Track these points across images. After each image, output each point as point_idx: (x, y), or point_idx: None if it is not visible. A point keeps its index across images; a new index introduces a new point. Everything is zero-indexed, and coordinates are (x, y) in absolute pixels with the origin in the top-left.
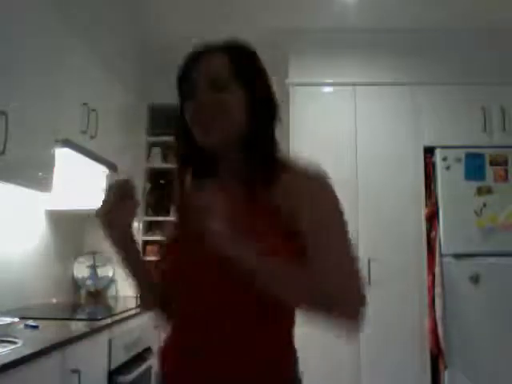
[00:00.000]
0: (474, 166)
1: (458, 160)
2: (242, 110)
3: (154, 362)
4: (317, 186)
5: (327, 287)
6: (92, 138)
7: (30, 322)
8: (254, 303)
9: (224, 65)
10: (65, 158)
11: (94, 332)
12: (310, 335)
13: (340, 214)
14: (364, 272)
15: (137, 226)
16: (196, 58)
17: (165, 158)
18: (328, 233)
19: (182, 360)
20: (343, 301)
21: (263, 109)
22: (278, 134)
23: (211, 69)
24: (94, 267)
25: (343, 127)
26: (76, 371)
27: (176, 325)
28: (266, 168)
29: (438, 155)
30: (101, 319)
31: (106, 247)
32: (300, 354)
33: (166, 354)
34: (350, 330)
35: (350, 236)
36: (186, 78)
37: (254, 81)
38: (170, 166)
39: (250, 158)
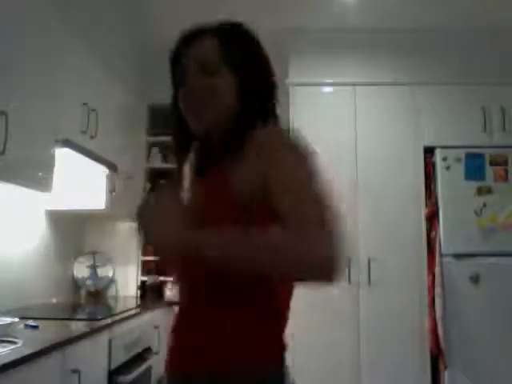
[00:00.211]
0: (474, 165)
1: (458, 160)
2: (232, 94)
3: (154, 362)
4: (281, 143)
5: (295, 252)
6: (92, 137)
7: (30, 322)
8: (228, 289)
9: (213, 48)
10: (65, 158)
11: (93, 332)
12: (310, 335)
13: (308, 174)
14: (365, 272)
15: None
16: (186, 42)
17: (165, 158)
18: (293, 192)
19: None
20: (314, 268)
21: (256, 92)
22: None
23: (201, 53)
24: (94, 267)
25: (343, 127)
26: (76, 371)
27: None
28: (238, 138)
29: (438, 155)
30: (101, 319)
31: (106, 247)
32: (300, 354)
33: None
34: (325, 286)
35: (323, 194)
36: (177, 63)
37: (245, 64)
38: (170, 165)
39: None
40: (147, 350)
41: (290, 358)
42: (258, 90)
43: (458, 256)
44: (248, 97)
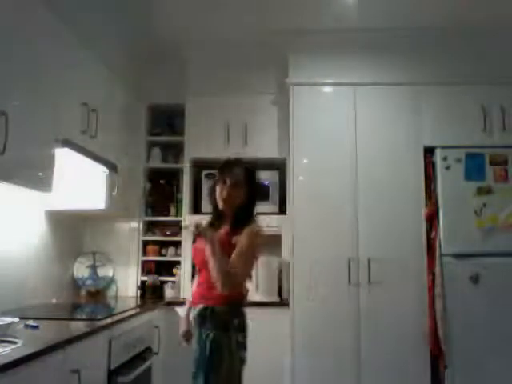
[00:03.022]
0: (474, 165)
1: (458, 160)
2: (242, 199)
3: (154, 362)
4: (246, 232)
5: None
6: (92, 137)
7: (30, 322)
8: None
9: (241, 175)
10: (65, 157)
11: (93, 332)
12: (310, 334)
13: (251, 245)
14: (365, 272)
15: (137, 225)
16: (228, 166)
17: (165, 158)
18: (240, 252)
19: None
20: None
21: (252, 200)
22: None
23: (234, 176)
24: (94, 267)
25: (343, 127)
26: (76, 371)
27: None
28: (239, 225)
29: (438, 155)
30: (101, 319)
31: (106, 247)
32: (301, 354)
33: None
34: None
35: (251, 257)
36: (221, 174)
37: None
38: (170, 165)
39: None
40: (147, 350)
41: (290, 358)
42: (253, 199)
43: (457, 256)
44: (248, 202)
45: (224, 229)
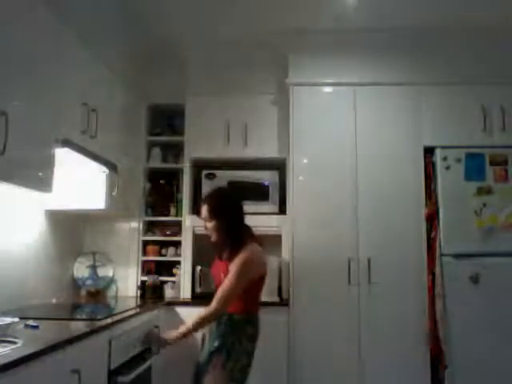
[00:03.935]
0: (474, 165)
1: (458, 160)
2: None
3: (153, 362)
4: (236, 261)
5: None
6: (92, 137)
7: (30, 322)
8: None
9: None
10: (65, 157)
11: (93, 332)
12: (310, 335)
13: (239, 269)
14: (365, 272)
15: (137, 225)
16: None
17: (165, 158)
18: (228, 276)
19: None
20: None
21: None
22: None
23: (202, 212)
24: (94, 267)
25: (343, 127)
26: (76, 371)
27: None
28: (233, 254)
29: (438, 155)
30: (101, 319)
31: (106, 247)
32: (301, 354)
33: None
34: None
35: (238, 279)
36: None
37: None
38: (170, 165)
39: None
40: (147, 350)
41: (290, 358)
42: (228, 218)
43: (457, 256)
44: (227, 224)
45: (224, 257)
